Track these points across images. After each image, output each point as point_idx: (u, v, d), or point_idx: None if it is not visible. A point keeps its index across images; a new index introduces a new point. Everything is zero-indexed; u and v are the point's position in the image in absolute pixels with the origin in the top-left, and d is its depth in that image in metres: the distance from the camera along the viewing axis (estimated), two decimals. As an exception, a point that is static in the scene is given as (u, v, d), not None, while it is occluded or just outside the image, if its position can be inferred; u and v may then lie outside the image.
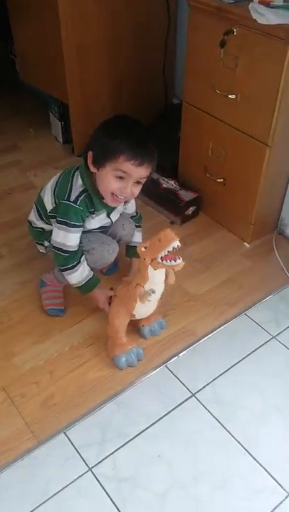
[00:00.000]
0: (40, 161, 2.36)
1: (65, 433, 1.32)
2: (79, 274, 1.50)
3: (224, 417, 1.38)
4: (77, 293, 1.68)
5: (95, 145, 1.39)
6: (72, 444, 1.30)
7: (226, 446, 1.32)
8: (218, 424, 1.36)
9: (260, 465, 1.28)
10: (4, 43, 2.83)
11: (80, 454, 1.28)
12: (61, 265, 1.49)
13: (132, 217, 1.70)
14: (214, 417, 1.38)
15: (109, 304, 1.52)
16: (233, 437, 1.34)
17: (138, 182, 1.42)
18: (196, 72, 1.79)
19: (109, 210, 1.54)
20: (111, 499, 1.20)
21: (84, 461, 1.27)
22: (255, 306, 1.69)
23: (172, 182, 2.08)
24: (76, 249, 1.48)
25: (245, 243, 1.95)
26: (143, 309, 1.44)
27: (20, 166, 2.33)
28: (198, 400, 1.42)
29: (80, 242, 1.50)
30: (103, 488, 1.22)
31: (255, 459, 1.29)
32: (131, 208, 1.67)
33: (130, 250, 1.73)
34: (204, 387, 1.45)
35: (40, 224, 1.63)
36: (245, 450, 1.31)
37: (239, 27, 1.54)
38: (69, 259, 1.47)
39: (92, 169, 1.41)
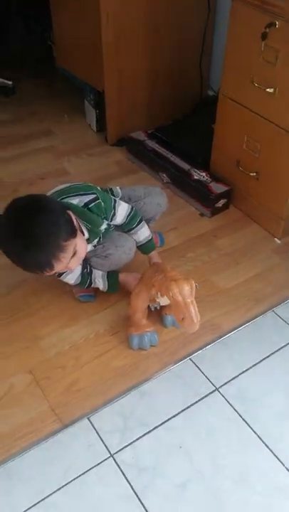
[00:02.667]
0: (73, 148, 2.38)
1: (88, 418, 1.34)
2: (100, 285, 1.57)
3: (247, 413, 1.38)
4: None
5: None
6: (95, 429, 1.32)
7: (248, 441, 1.32)
8: (241, 419, 1.36)
9: (281, 463, 1.28)
10: (43, 28, 2.85)
11: (102, 440, 1.30)
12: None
13: (121, 225, 1.57)
14: (237, 412, 1.38)
15: None
16: (255, 433, 1.34)
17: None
18: (234, 64, 1.77)
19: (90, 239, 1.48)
20: (131, 486, 1.22)
21: (106, 447, 1.29)
22: (284, 304, 1.68)
23: (204, 174, 2.07)
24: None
25: (275, 239, 1.93)
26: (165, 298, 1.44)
27: (54, 152, 2.35)
28: (221, 394, 1.42)
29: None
30: (124, 475, 1.24)
31: (277, 457, 1.29)
32: (119, 219, 1.53)
33: (142, 249, 1.65)
34: (228, 381, 1.45)
35: None
36: (267, 447, 1.31)
37: (282, 20, 1.52)
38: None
39: None
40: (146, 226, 1.60)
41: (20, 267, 1.28)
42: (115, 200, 1.50)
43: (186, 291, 1.20)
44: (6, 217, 1.22)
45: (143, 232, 1.60)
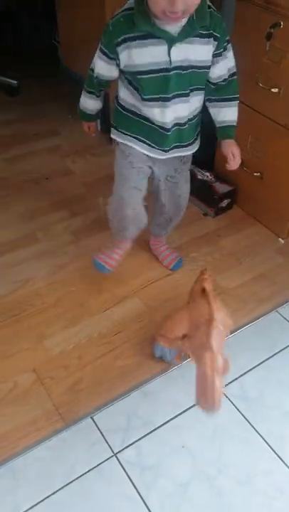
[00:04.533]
0: (78, 148, 2.38)
1: (92, 417, 1.35)
2: (81, 98, 1.49)
3: (250, 414, 1.38)
4: (108, 280, 1.71)
5: None
6: (98, 428, 1.33)
7: (251, 442, 1.32)
8: (244, 419, 1.37)
9: (285, 464, 1.28)
10: (49, 28, 2.85)
11: (105, 439, 1.31)
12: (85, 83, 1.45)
13: (214, 84, 1.36)
14: (240, 412, 1.38)
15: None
16: (259, 434, 1.34)
17: None
18: (239, 64, 1.75)
19: (170, 40, 1.19)
20: (134, 485, 1.22)
21: (109, 446, 1.29)
22: (287, 304, 1.68)
23: (208, 174, 2.07)
24: (97, 76, 1.37)
25: (279, 239, 1.93)
26: None
27: (59, 152, 2.35)
28: (225, 394, 1.42)
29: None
30: (127, 474, 1.24)
31: (280, 458, 1.29)
32: (221, 68, 1.32)
33: (222, 132, 1.46)
34: (231, 382, 1.45)
35: None
36: (270, 447, 1.31)
37: (287, 20, 1.52)
38: (88, 79, 1.41)
39: None
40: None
41: None
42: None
43: (219, 365, 1.12)
44: None
45: (232, 112, 1.42)
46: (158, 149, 1.41)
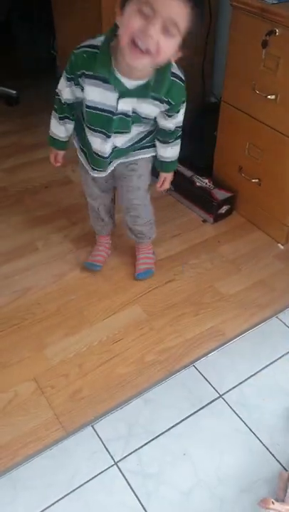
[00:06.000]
0: (77, 157, 2.38)
1: (92, 426, 1.34)
2: (52, 124, 1.45)
3: (251, 420, 1.38)
4: (108, 288, 1.71)
5: None
6: (99, 437, 1.32)
7: (252, 449, 1.32)
8: (245, 426, 1.36)
9: (287, 471, 1.27)
10: (47, 39, 2.87)
11: (106, 448, 1.30)
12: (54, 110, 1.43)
13: (162, 132, 1.41)
14: (241, 419, 1.38)
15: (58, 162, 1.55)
16: (260, 441, 1.33)
17: (167, 30, 1.05)
18: (236, 71, 1.78)
19: (122, 92, 1.22)
20: (135, 494, 1.22)
21: (110, 455, 1.29)
22: (288, 310, 1.68)
23: (206, 181, 2.07)
24: (63, 99, 1.36)
25: (279, 245, 1.93)
26: None
27: (57, 161, 2.36)
28: (225, 401, 1.42)
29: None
30: (128, 482, 1.24)
31: (282, 465, 1.28)
32: (168, 123, 1.37)
33: (162, 166, 1.54)
34: (232, 388, 1.45)
35: None
36: (271, 454, 1.30)
37: (282, 27, 1.53)
38: (58, 105, 1.40)
39: (118, 16, 1.10)
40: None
41: None
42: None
43: None
44: None
45: (170, 151, 1.48)
46: (97, 170, 1.47)
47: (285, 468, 1.27)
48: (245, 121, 1.82)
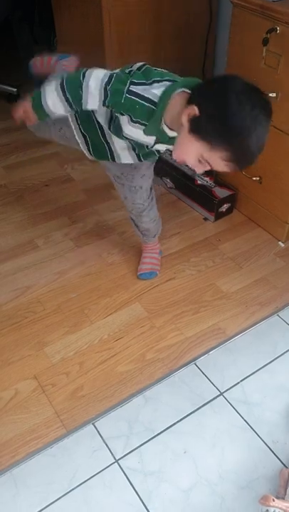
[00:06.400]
0: (78, 155, 2.36)
1: (93, 424, 1.34)
2: (50, 97, 1.23)
3: (252, 418, 1.38)
4: (109, 286, 1.72)
5: (209, 109, 1.05)
6: (100, 435, 1.32)
7: (253, 447, 1.32)
8: (246, 424, 1.36)
9: (287, 468, 1.27)
10: (47, 34, 2.87)
11: (107, 446, 1.30)
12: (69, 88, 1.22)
13: None
14: (242, 417, 1.38)
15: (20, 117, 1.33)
16: (261, 439, 1.33)
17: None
18: (236, 69, 1.77)
19: (164, 140, 1.22)
20: (136, 492, 1.22)
21: (111, 452, 1.29)
22: (288, 307, 1.68)
23: (207, 179, 2.07)
24: (86, 106, 1.20)
25: (279, 242, 1.93)
26: None
27: (58, 159, 2.36)
28: (226, 399, 1.42)
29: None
30: (129, 480, 1.24)
31: (282, 462, 1.29)
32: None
33: None
34: (233, 386, 1.45)
35: None
36: (272, 452, 1.31)
37: (282, 25, 1.52)
38: (76, 91, 1.20)
39: (184, 119, 1.08)
40: None
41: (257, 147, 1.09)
42: None
43: None
44: (239, 102, 1.04)
45: None
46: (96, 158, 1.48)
47: (285, 466, 1.27)
48: (246, 119, 1.82)
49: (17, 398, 1.40)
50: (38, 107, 1.26)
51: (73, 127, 1.43)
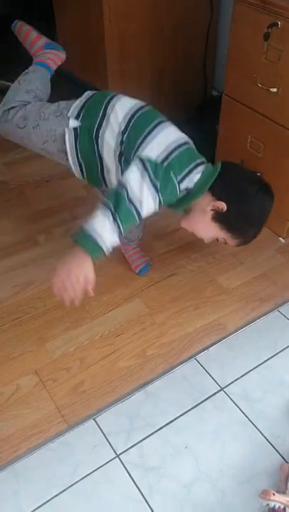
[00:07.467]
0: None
1: (94, 419, 1.35)
2: (99, 223, 1.18)
3: (252, 413, 1.38)
4: (110, 282, 1.71)
5: (235, 209, 1.25)
6: (101, 430, 1.33)
7: (254, 442, 1.32)
8: (247, 419, 1.37)
9: (288, 463, 1.28)
10: (47, 31, 2.85)
11: (108, 441, 1.31)
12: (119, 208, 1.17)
13: None
14: (243, 412, 1.38)
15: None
16: (261, 433, 1.34)
17: None
18: (237, 64, 1.77)
19: (178, 209, 1.32)
20: (137, 486, 1.22)
21: (112, 447, 1.29)
22: (288, 303, 1.68)
23: (208, 175, 2.07)
24: (143, 213, 1.21)
25: (280, 239, 1.93)
26: None
27: (58, 155, 2.35)
28: (227, 394, 1.42)
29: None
30: (130, 475, 1.24)
31: (283, 457, 1.29)
32: None
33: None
34: (233, 381, 1.45)
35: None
36: (273, 447, 1.31)
37: (284, 20, 1.52)
38: (127, 210, 1.17)
39: (208, 208, 1.25)
40: None
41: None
42: None
43: None
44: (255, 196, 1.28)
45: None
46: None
47: (285, 461, 1.28)
48: (247, 115, 1.81)
49: (18, 393, 1.40)
50: (96, 251, 1.16)
51: (68, 148, 1.37)
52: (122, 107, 1.32)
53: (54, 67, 1.63)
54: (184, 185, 1.23)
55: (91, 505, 1.19)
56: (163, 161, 1.19)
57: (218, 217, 1.22)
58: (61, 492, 1.21)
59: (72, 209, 2.03)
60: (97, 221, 1.16)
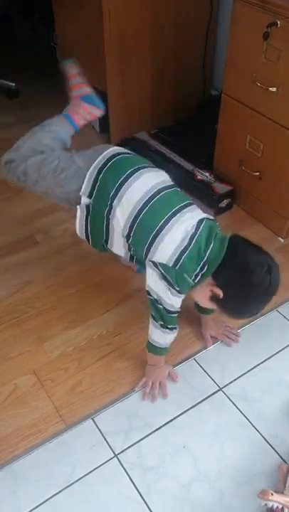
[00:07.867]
0: (76, 149, 2.37)
1: (92, 419, 1.34)
2: (158, 336, 1.35)
3: (251, 413, 1.38)
4: (108, 281, 1.71)
5: (232, 301, 1.24)
6: (99, 430, 1.32)
7: (252, 442, 1.32)
8: (245, 419, 1.36)
9: (286, 463, 1.27)
10: (46, 30, 2.86)
11: (106, 441, 1.30)
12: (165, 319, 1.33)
13: None
14: (241, 412, 1.38)
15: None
16: (260, 434, 1.33)
17: None
18: (237, 64, 1.77)
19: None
20: (135, 486, 1.22)
21: (110, 447, 1.29)
22: (288, 303, 1.67)
23: (207, 174, 2.07)
24: (176, 309, 1.33)
25: (279, 238, 1.93)
26: None
27: (57, 154, 2.35)
28: (225, 394, 1.42)
29: None
30: (128, 475, 1.24)
31: (282, 457, 1.29)
32: None
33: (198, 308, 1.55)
34: (232, 381, 1.45)
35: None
36: (271, 447, 1.31)
37: (283, 19, 1.52)
38: (170, 315, 1.33)
39: (207, 289, 1.24)
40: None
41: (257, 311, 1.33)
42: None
43: None
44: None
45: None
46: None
47: (284, 461, 1.28)
48: (246, 114, 1.81)
49: (16, 393, 1.39)
50: (153, 349, 1.39)
51: (78, 222, 1.41)
52: (123, 212, 1.31)
53: (82, 123, 1.63)
54: (195, 279, 1.26)
55: (89, 505, 1.19)
56: (175, 265, 1.22)
57: (215, 299, 1.24)
58: (59, 492, 1.21)
59: (70, 208, 2.02)
60: (156, 336, 1.36)
